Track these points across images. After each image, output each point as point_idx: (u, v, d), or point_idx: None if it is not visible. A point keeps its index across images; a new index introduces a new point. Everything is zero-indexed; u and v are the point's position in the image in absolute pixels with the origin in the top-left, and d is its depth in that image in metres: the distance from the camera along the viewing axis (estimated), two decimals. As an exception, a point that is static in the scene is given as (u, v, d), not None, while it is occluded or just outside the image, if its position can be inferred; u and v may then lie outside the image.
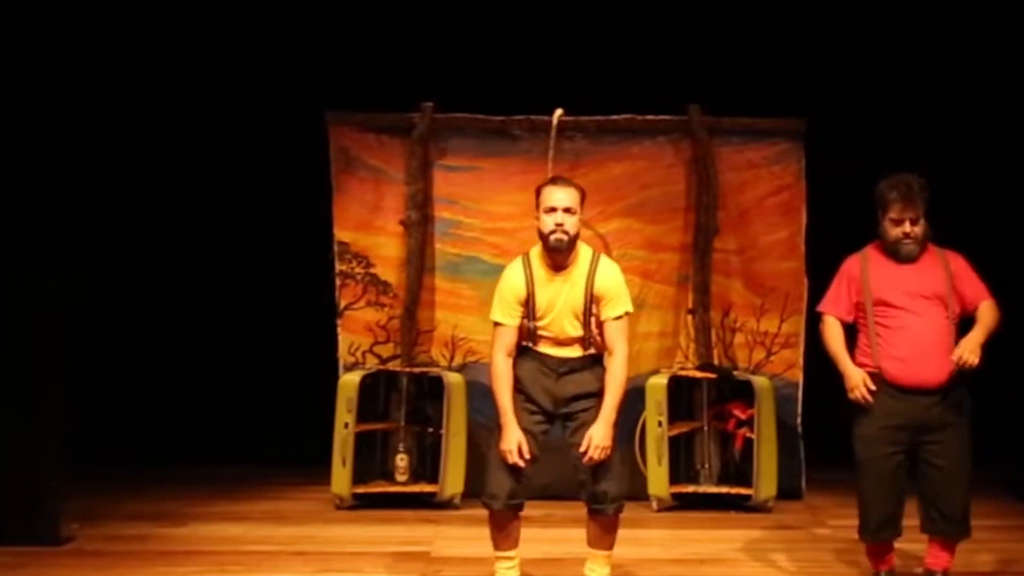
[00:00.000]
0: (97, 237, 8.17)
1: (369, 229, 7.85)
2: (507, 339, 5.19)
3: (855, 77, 8.37)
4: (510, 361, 5.21)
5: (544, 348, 5.20)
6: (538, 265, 5.21)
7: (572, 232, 5.11)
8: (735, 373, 7.70)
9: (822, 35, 8.29)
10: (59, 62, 6.43)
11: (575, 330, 5.19)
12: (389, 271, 7.85)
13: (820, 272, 7.35)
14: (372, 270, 7.85)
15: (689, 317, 7.85)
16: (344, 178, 7.84)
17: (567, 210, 5.09)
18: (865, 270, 5.48)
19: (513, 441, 5.10)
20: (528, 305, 5.17)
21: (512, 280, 5.21)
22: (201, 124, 8.48)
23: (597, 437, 5.08)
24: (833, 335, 5.53)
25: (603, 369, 5.24)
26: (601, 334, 5.20)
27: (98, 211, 8.20)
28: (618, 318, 5.18)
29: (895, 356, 5.35)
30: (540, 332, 5.19)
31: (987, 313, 5.41)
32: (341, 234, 7.83)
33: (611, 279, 5.20)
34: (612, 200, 7.77)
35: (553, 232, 5.09)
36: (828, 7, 8.24)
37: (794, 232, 7.82)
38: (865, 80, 8.38)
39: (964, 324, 5.46)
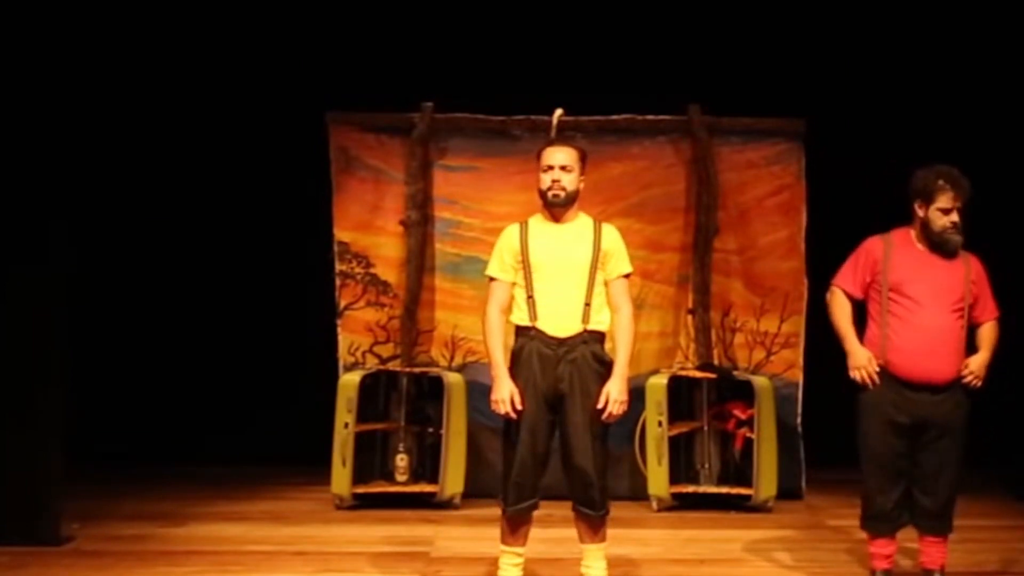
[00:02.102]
0: (97, 237, 8.16)
1: (369, 229, 7.86)
2: (500, 294, 5.25)
3: (855, 77, 8.37)
4: (503, 317, 5.25)
5: (544, 324, 5.15)
6: (536, 221, 5.28)
7: (569, 188, 5.20)
8: (735, 373, 7.70)
9: (822, 35, 8.29)
10: (60, 63, 6.43)
11: (577, 290, 5.16)
12: (389, 271, 7.85)
13: (820, 272, 7.36)
14: (372, 270, 7.86)
15: (689, 317, 7.85)
16: (344, 178, 7.84)
17: (563, 168, 5.20)
18: (888, 254, 5.43)
19: (505, 391, 5.12)
20: (524, 259, 5.19)
21: (506, 236, 5.30)
22: (202, 124, 8.48)
23: (614, 392, 5.12)
24: (841, 309, 5.52)
25: (603, 350, 5.22)
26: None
27: (98, 210, 8.19)
28: (625, 276, 5.28)
29: (904, 350, 5.34)
30: (539, 296, 5.16)
31: (991, 334, 5.48)
32: (341, 234, 7.83)
33: (617, 238, 5.30)
34: (612, 200, 7.77)
35: (550, 188, 5.20)
36: (828, 7, 8.25)
37: (794, 232, 7.83)
38: (865, 80, 8.38)
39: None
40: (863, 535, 5.72)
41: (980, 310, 5.47)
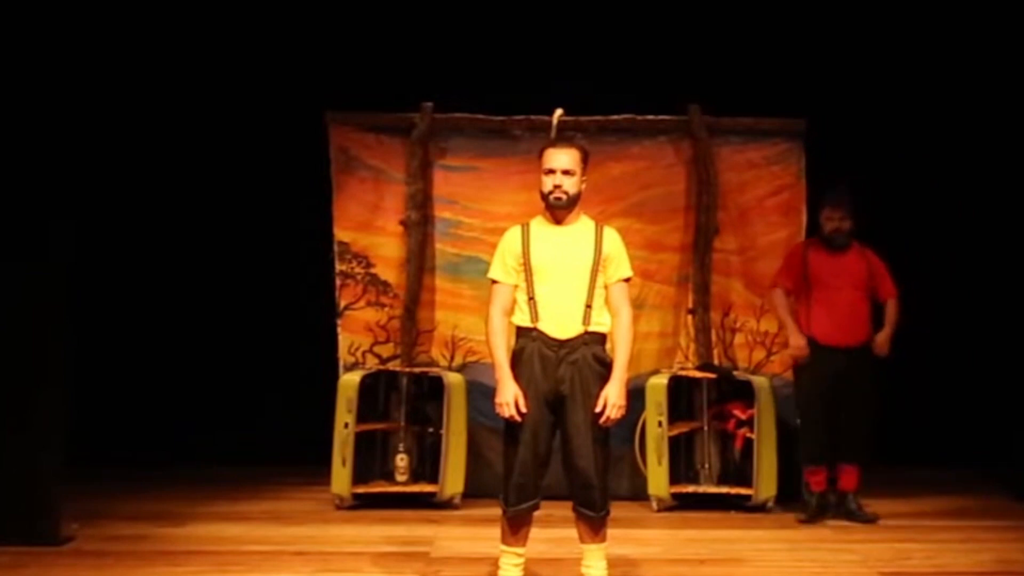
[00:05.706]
0: (97, 237, 8.15)
1: (369, 229, 7.86)
2: (503, 297, 5.24)
3: (855, 77, 8.37)
4: (506, 319, 5.24)
5: (545, 326, 5.15)
6: (538, 223, 5.27)
7: (571, 192, 5.19)
8: (735, 373, 7.70)
9: (822, 35, 8.30)
10: (60, 62, 6.43)
11: (578, 291, 5.15)
12: (389, 271, 7.85)
13: (820, 272, 7.35)
14: (372, 270, 7.85)
15: (689, 317, 7.85)
16: (344, 178, 7.84)
17: (565, 172, 5.18)
18: (806, 254, 7.09)
19: (510, 394, 5.10)
20: (525, 261, 5.18)
21: (508, 238, 5.29)
22: (202, 124, 8.48)
23: (613, 396, 5.11)
24: (780, 303, 7.17)
25: (604, 351, 5.22)
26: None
27: (98, 210, 8.18)
28: (625, 280, 5.27)
29: (823, 323, 6.95)
30: (540, 297, 5.15)
31: (893, 312, 7.07)
32: (341, 234, 7.83)
33: (619, 242, 5.29)
34: (612, 200, 7.77)
35: (552, 192, 5.20)
36: (828, 7, 8.25)
37: (794, 232, 7.82)
38: (865, 80, 8.38)
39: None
40: (862, 535, 6.09)
41: (882, 290, 7.08)
